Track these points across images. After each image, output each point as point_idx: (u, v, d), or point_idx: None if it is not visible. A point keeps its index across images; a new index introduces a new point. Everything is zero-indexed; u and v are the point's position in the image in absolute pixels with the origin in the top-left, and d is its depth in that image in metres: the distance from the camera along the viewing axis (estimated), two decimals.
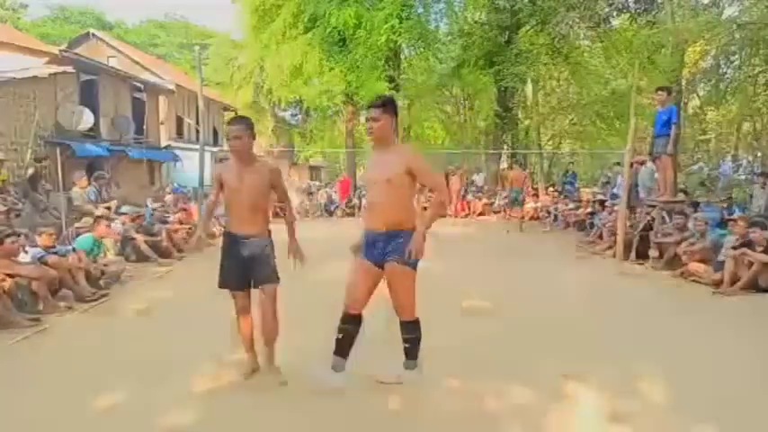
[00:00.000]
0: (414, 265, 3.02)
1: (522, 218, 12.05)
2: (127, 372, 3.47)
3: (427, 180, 3.08)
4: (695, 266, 6.49)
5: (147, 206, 9.70)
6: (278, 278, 3.27)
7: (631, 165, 8.50)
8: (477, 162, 20.12)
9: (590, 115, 19.51)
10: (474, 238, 10.90)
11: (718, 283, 5.97)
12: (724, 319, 4.98)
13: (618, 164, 9.76)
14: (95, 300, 5.36)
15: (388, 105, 3.06)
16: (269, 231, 3.30)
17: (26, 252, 5.22)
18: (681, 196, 8.53)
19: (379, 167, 3.07)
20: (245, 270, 3.21)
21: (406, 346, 3.20)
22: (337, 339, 3.14)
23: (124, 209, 8.03)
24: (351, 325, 3.12)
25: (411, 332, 3.16)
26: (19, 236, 5.08)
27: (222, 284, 3.30)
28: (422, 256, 2.97)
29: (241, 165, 3.18)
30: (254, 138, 3.23)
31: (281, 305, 3.29)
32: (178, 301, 5.49)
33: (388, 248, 3.01)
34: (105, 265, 6.14)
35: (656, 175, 8.18)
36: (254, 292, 3.29)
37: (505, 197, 14.04)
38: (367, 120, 3.08)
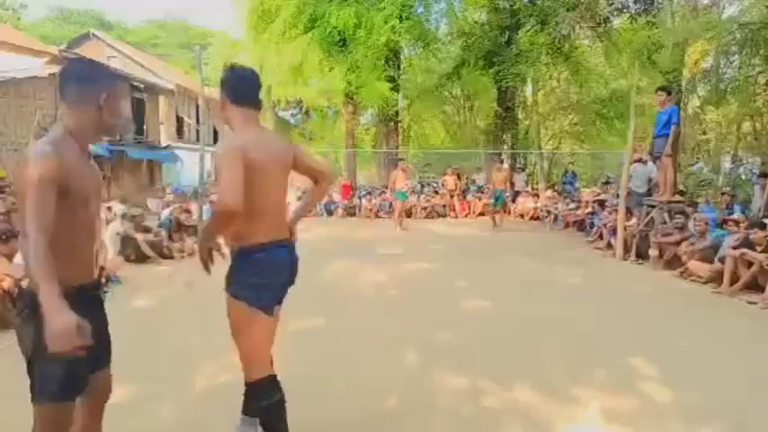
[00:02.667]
0: (243, 297, 2.09)
1: (494, 217, 11.78)
2: (126, 371, 3.46)
3: (315, 166, 2.36)
4: (695, 264, 6.49)
5: (159, 208, 9.60)
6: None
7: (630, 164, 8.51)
8: (477, 162, 20.15)
9: (590, 115, 19.55)
10: (474, 238, 10.90)
11: (716, 279, 6.00)
12: (724, 318, 4.99)
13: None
14: None
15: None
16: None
17: None
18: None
19: (275, 151, 2.18)
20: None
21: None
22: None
23: (118, 209, 7.98)
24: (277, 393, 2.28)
25: (254, 398, 2.21)
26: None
27: (69, 391, 1.71)
28: None
29: (84, 152, 1.76)
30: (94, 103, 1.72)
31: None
32: (178, 301, 5.49)
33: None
34: (103, 268, 6.13)
35: (655, 174, 8.19)
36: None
37: (487, 196, 14.00)
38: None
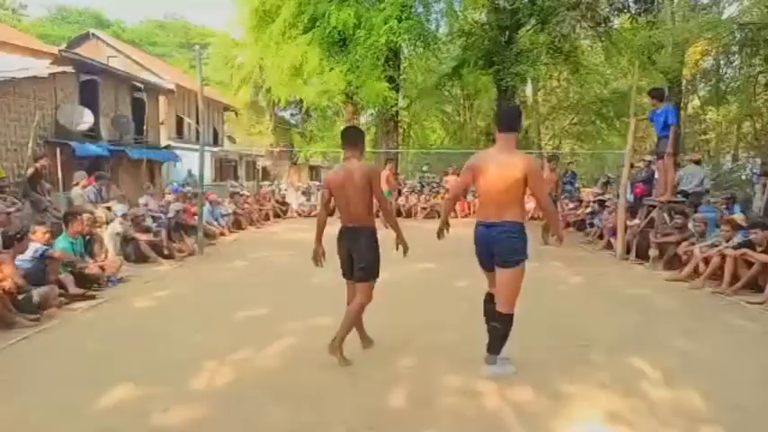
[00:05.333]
0: None
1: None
2: (127, 371, 3.47)
3: (534, 192, 3.48)
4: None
5: (141, 204, 9.57)
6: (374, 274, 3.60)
7: (632, 165, 8.49)
8: None
9: (590, 115, 19.55)
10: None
11: (712, 276, 6.03)
12: (723, 318, 4.99)
13: (649, 161, 9.41)
14: (87, 299, 5.34)
15: None
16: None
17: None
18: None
19: (502, 165, 3.28)
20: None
21: None
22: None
23: (118, 209, 7.97)
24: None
25: None
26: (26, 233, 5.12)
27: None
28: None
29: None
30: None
31: None
32: (178, 301, 5.49)
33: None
34: (103, 268, 6.11)
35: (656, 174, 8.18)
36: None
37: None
38: None
